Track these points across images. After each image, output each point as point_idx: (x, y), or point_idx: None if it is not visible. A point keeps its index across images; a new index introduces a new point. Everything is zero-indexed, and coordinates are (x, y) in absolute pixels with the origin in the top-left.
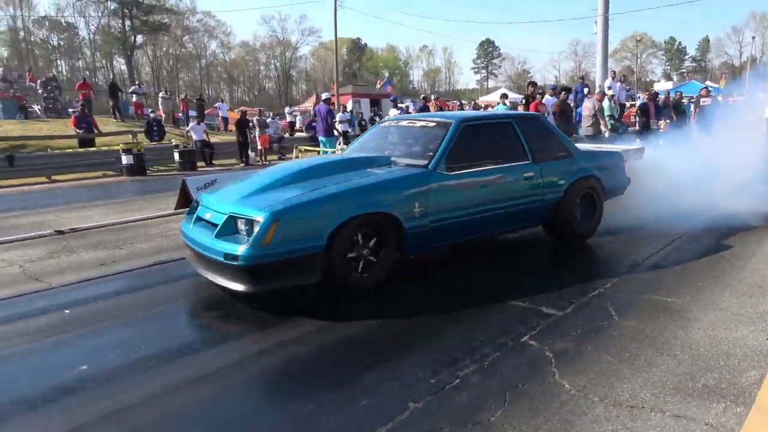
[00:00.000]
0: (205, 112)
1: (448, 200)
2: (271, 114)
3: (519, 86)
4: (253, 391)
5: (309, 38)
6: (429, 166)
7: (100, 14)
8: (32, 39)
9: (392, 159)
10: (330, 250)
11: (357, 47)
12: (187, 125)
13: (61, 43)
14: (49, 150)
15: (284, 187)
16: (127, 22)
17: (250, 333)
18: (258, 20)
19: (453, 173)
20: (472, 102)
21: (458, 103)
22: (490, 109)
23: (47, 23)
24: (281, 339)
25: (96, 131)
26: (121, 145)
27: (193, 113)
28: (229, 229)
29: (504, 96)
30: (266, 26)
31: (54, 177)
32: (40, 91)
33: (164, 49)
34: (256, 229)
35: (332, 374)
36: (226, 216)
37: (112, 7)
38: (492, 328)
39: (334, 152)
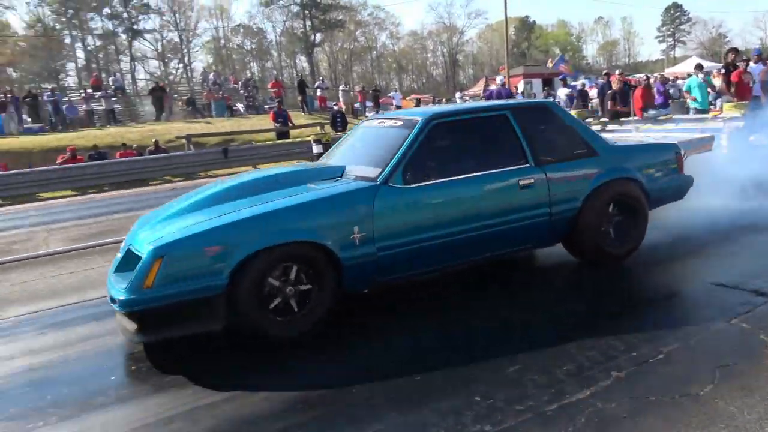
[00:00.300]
0: (380, 101)
1: (402, 221)
2: (444, 100)
3: (713, 53)
4: None
5: (475, 21)
6: (378, 179)
7: (284, 18)
8: (230, 45)
9: (346, 170)
10: (236, 290)
11: (525, 26)
12: (365, 115)
13: (253, 47)
14: (252, 143)
15: (199, 210)
16: (308, 23)
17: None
18: (425, 8)
19: (411, 186)
20: (658, 75)
21: (645, 76)
22: (679, 82)
23: (242, 30)
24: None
25: (290, 124)
26: (311, 135)
27: (369, 104)
28: (128, 263)
29: (698, 67)
30: (433, 13)
31: (258, 165)
32: (241, 91)
33: (339, 44)
34: (137, 268)
35: None
36: (127, 247)
37: (295, 10)
38: None
39: None
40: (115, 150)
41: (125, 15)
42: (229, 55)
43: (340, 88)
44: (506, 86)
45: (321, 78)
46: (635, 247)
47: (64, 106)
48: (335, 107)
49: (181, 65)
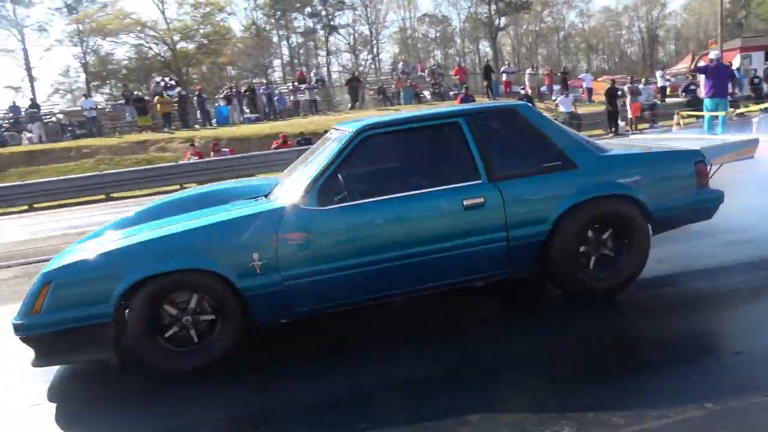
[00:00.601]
0: (568, 83)
1: (313, 248)
2: (643, 80)
3: None
4: None
5: None
6: (288, 201)
7: (469, 4)
8: (415, 35)
9: (275, 189)
10: (126, 317)
11: None
12: (552, 98)
13: (437, 35)
14: None
15: (122, 228)
16: (493, 7)
17: None
18: None
19: (326, 209)
20: None
21: None
22: None
23: (427, 19)
24: None
25: None
26: None
27: (556, 87)
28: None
29: None
30: None
31: None
32: (427, 78)
33: (524, 27)
34: (28, 293)
35: None
36: None
37: None
38: None
39: (725, 114)
40: (318, 136)
41: (323, 12)
42: (414, 44)
43: (527, 71)
44: (721, 61)
45: (507, 63)
46: (630, 280)
47: (275, 98)
48: (522, 91)
49: (370, 56)
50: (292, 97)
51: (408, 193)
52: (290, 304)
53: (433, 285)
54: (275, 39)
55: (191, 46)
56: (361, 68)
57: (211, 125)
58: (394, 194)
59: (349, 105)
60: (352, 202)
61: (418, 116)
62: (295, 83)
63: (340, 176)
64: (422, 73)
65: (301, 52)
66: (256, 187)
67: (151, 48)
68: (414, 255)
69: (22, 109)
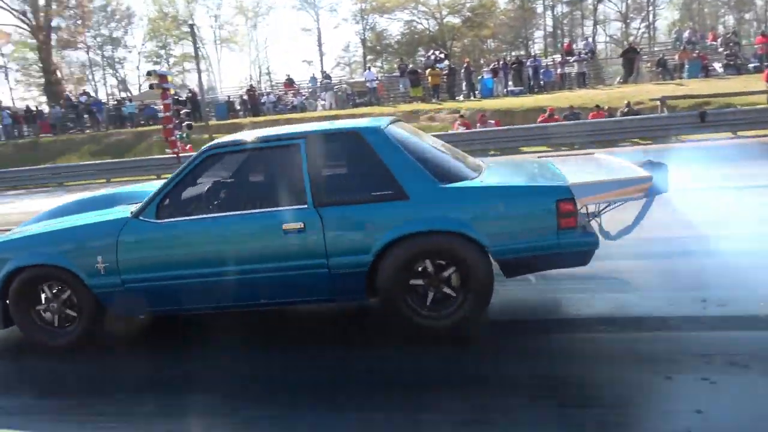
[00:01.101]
0: None
1: (146, 257)
2: None
3: None
4: None
5: None
6: (131, 212)
7: None
8: None
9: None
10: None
11: None
12: None
13: None
14: (735, 106)
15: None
16: None
17: None
18: None
19: (161, 222)
20: None
21: None
22: None
23: None
24: None
25: None
26: None
27: None
28: None
29: None
30: None
31: (739, 132)
32: (720, 49)
33: None
34: None
35: None
36: None
37: None
38: None
39: None
40: (587, 111)
41: None
42: (701, 8)
43: None
44: None
45: None
46: (464, 320)
47: (542, 71)
48: None
49: (643, 25)
50: (559, 70)
51: (235, 213)
52: (136, 303)
53: (265, 302)
54: (539, 10)
55: (457, 20)
56: (631, 38)
57: (475, 97)
58: (226, 213)
59: (621, 78)
60: (184, 218)
61: (265, 136)
62: (563, 55)
63: (182, 192)
64: (713, 43)
65: (565, 22)
66: (136, 194)
67: (420, 23)
68: (238, 272)
69: (318, 80)
